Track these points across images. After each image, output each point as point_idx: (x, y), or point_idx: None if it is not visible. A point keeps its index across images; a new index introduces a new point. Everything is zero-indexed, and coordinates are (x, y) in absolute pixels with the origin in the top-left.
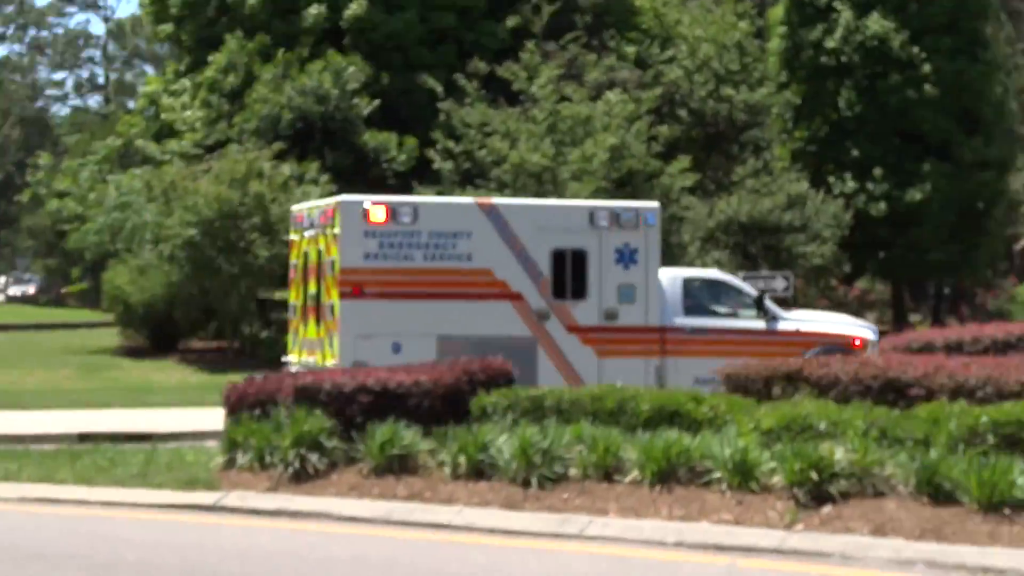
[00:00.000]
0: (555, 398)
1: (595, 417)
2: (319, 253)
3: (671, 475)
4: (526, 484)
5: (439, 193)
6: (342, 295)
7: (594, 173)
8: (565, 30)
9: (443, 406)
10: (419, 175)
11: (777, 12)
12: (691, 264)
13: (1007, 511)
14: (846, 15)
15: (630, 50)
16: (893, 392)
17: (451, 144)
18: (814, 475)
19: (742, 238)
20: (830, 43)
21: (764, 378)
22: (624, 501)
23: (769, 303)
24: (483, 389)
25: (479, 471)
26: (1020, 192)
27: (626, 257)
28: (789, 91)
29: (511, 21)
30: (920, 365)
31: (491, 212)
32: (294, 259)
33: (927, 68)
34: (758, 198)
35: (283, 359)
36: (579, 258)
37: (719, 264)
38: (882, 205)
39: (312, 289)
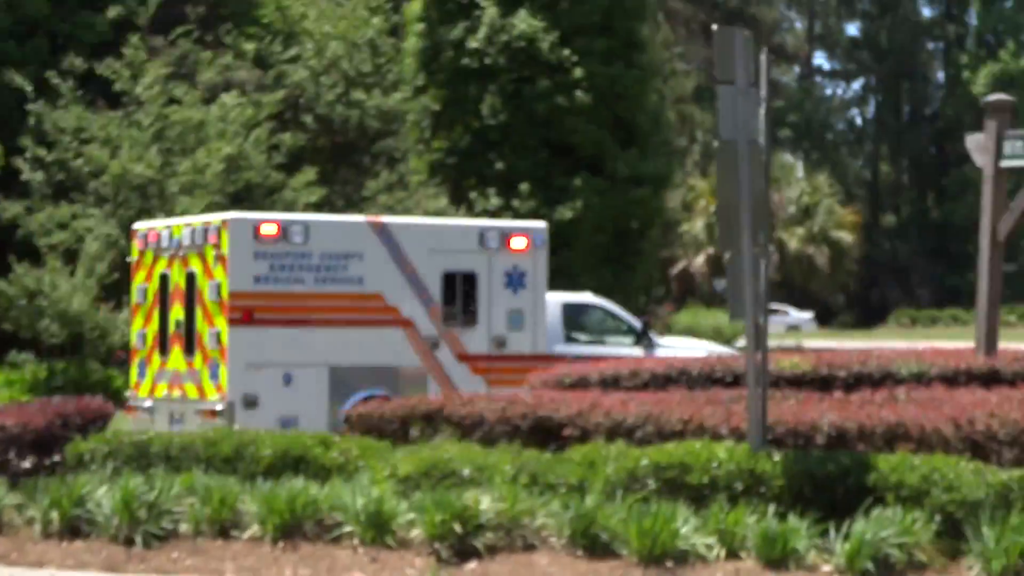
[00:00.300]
0: (162, 443)
1: (209, 465)
2: (190, 275)
3: (296, 530)
4: (130, 542)
5: (27, 209)
6: (231, 321)
7: (207, 186)
8: (175, 23)
9: (33, 453)
10: (4, 187)
11: (414, 8)
12: None
13: (670, 564)
14: (491, 12)
15: (249, 47)
16: (544, 433)
17: (42, 152)
18: (458, 527)
19: None
20: (473, 43)
21: (400, 418)
22: (243, 560)
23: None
24: (80, 433)
25: (75, 528)
26: (678, 210)
27: (515, 281)
28: (427, 96)
29: (112, 12)
30: (574, 402)
31: (382, 232)
32: (141, 282)
33: (579, 73)
34: (392, 216)
35: (128, 396)
36: (469, 282)
37: None
38: None
39: (178, 315)
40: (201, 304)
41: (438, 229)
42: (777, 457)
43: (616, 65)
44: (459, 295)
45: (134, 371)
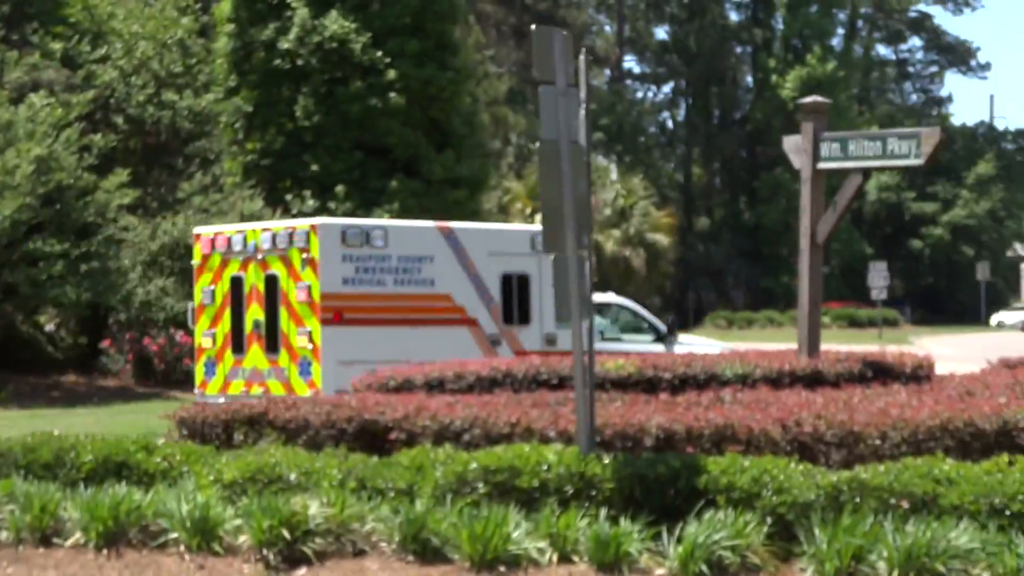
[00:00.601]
0: None
1: (29, 471)
2: (271, 278)
3: (121, 536)
4: None
5: None
6: (323, 321)
7: (17, 188)
8: None
9: None
10: None
11: (224, 8)
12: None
13: (502, 568)
14: (301, 13)
15: (56, 46)
16: (370, 436)
17: None
18: (286, 533)
19: (188, 262)
20: (284, 44)
21: (223, 422)
22: (66, 568)
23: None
24: None
25: None
26: (494, 212)
27: None
28: (239, 97)
29: None
30: (399, 406)
31: (449, 236)
32: (207, 284)
33: (392, 74)
34: (207, 218)
35: (196, 394)
36: (524, 283)
37: (165, 292)
38: None
39: (257, 315)
40: (287, 305)
41: (496, 233)
42: (607, 460)
43: (429, 67)
44: (515, 295)
45: (200, 370)
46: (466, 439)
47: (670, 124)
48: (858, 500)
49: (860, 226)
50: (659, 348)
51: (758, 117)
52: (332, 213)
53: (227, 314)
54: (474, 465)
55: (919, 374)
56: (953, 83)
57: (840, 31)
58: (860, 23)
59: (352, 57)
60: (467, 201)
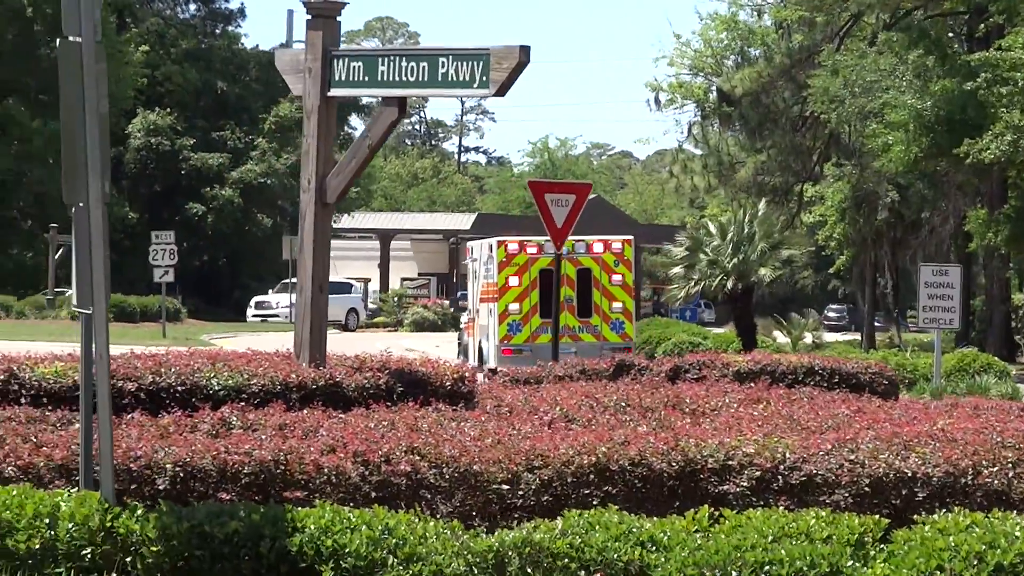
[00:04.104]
0: None
1: None
2: (583, 271)
3: None
4: None
5: None
6: (633, 298)
7: None
8: None
9: None
10: None
11: None
12: None
13: None
14: None
15: None
16: None
17: None
18: None
19: None
20: None
21: None
22: None
23: None
24: None
25: None
26: None
27: None
28: None
29: None
30: None
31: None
32: (512, 274)
33: None
34: None
35: (500, 344)
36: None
37: None
38: None
39: (569, 293)
40: (599, 287)
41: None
42: (143, 511)
43: None
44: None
45: (504, 328)
46: None
47: None
48: (531, 572)
49: (119, 180)
50: None
51: None
52: None
53: (534, 293)
54: None
55: (461, 389)
56: None
57: None
58: None
59: None
60: None
